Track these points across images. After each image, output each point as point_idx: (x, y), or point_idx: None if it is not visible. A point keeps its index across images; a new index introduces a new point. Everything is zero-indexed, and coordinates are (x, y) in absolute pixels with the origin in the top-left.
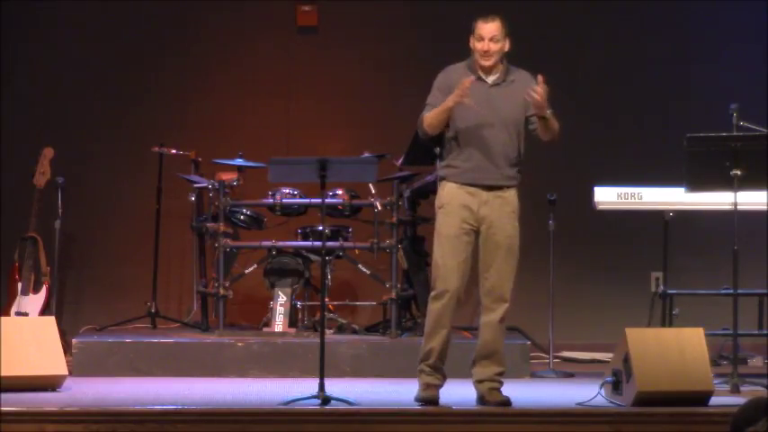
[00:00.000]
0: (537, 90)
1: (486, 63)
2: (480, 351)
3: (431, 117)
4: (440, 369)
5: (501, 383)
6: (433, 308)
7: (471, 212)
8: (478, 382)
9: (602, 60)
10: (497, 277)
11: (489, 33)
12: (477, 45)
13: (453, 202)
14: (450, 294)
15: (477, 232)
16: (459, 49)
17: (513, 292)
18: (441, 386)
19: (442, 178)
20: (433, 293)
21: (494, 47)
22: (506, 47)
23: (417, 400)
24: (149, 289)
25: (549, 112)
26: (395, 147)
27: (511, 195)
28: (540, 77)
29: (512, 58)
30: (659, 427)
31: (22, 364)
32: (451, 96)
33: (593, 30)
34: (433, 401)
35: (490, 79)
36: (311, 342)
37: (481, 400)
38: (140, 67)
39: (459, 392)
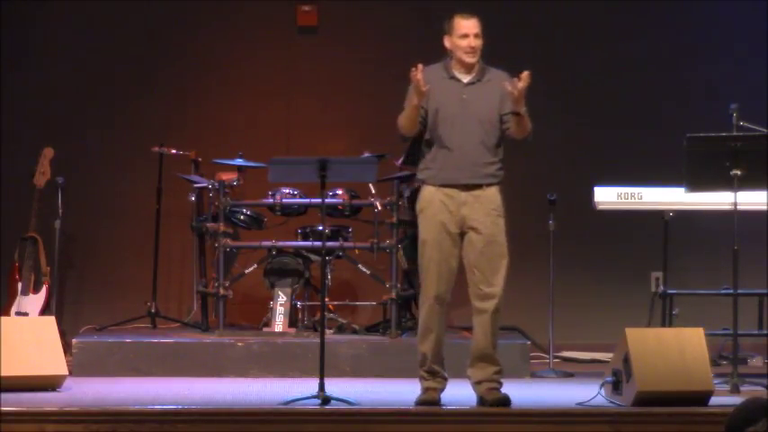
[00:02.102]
0: (516, 84)
1: (472, 60)
2: (474, 352)
3: (402, 117)
4: (438, 372)
5: (500, 383)
6: (421, 312)
7: (451, 215)
8: (477, 383)
9: (601, 60)
10: (482, 277)
11: (474, 29)
12: (463, 42)
13: (432, 205)
14: (434, 299)
15: (460, 234)
16: None
17: (513, 293)
18: (441, 389)
19: (422, 181)
20: (420, 298)
21: (478, 43)
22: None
23: (417, 403)
24: (149, 289)
25: (523, 110)
26: (395, 147)
27: (491, 193)
28: (524, 73)
29: (512, 58)
30: (659, 427)
31: (22, 364)
32: (413, 92)
33: (593, 30)
34: (433, 404)
35: (465, 79)
36: (311, 342)
37: (481, 400)
38: (140, 67)
39: (459, 392)
